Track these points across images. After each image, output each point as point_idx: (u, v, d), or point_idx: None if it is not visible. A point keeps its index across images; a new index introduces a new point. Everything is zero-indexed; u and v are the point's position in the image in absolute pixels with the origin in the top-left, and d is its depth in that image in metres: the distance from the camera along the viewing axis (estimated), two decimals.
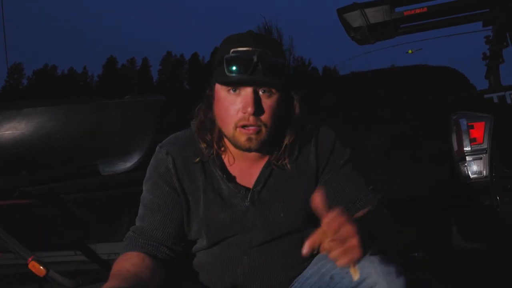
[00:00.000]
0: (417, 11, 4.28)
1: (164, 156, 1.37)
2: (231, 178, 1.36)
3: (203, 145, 1.36)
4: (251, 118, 1.25)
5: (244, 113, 1.25)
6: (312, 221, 1.41)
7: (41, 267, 2.01)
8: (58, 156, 2.22)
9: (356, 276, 1.07)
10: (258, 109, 1.24)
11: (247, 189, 1.36)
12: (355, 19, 4.31)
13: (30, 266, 2.03)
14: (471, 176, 3.34)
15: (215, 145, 1.35)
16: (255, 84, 1.24)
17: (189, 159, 1.37)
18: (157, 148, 1.41)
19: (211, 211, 1.34)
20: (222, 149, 1.37)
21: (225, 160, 1.38)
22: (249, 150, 1.30)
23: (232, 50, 1.25)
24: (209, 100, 1.36)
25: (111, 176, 2.24)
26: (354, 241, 1.02)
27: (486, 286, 3.13)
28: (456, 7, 4.32)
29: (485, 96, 3.65)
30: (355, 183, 1.39)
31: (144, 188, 1.41)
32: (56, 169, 2.30)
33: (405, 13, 4.30)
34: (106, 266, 2.82)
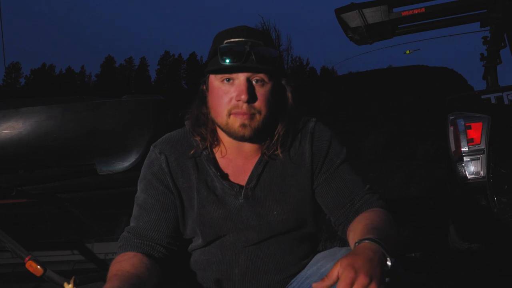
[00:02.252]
0: (415, 11, 4.28)
1: (157, 155, 1.38)
2: (224, 175, 1.36)
3: (197, 138, 1.36)
4: (245, 105, 1.27)
5: (238, 100, 1.27)
6: (307, 221, 1.42)
7: (38, 267, 2.01)
8: (55, 156, 2.21)
9: None
10: (251, 96, 1.27)
11: (241, 186, 1.36)
12: (353, 19, 4.32)
13: (27, 265, 2.02)
14: (469, 176, 3.34)
15: (209, 137, 1.36)
16: (249, 71, 1.27)
17: (182, 157, 1.37)
18: (151, 147, 1.42)
19: (205, 209, 1.34)
20: (216, 142, 1.37)
21: (219, 156, 1.38)
22: (243, 137, 1.30)
23: (225, 41, 1.28)
24: (202, 96, 1.38)
25: (109, 175, 2.23)
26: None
27: (485, 286, 3.14)
28: (454, 7, 4.33)
29: (483, 96, 3.65)
30: (353, 183, 1.39)
31: (138, 188, 1.41)
32: (53, 169, 2.29)
33: (403, 14, 4.31)
34: (103, 265, 2.81)
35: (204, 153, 1.37)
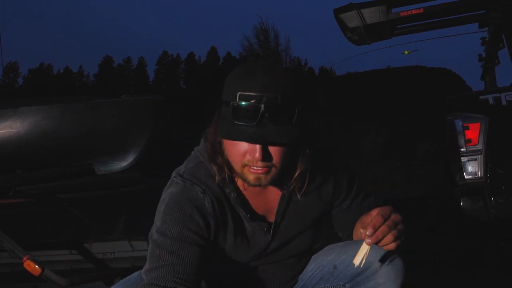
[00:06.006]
0: (414, 12, 4.28)
1: (201, 195, 1.30)
2: (253, 216, 1.36)
3: (214, 168, 1.30)
4: (259, 163, 1.20)
5: (252, 156, 1.20)
6: (320, 242, 1.48)
7: (37, 266, 2.01)
8: (53, 155, 2.21)
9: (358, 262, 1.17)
10: (266, 155, 1.20)
11: (269, 224, 1.37)
12: (352, 19, 4.32)
13: (25, 265, 2.02)
14: (466, 177, 3.35)
15: (226, 169, 1.29)
16: (262, 139, 1.17)
17: (218, 197, 1.32)
18: (186, 184, 1.32)
19: (236, 250, 1.36)
20: (233, 173, 1.32)
21: (243, 189, 1.35)
22: (259, 186, 1.27)
23: (239, 94, 1.16)
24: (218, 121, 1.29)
25: (107, 175, 2.24)
26: (402, 226, 1.16)
27: (485, 286, 3.14)
28: (453, 8, 4.33)
29: (481, 97, 3.65)
30: (368, 206, 1.44)
31: (165, 218, 1.28)
32: (52, 168, 2.30)
33: (402, 14, 4.31)
34: (101, 265, 2.81)
35: (233, 195, 1.32)
